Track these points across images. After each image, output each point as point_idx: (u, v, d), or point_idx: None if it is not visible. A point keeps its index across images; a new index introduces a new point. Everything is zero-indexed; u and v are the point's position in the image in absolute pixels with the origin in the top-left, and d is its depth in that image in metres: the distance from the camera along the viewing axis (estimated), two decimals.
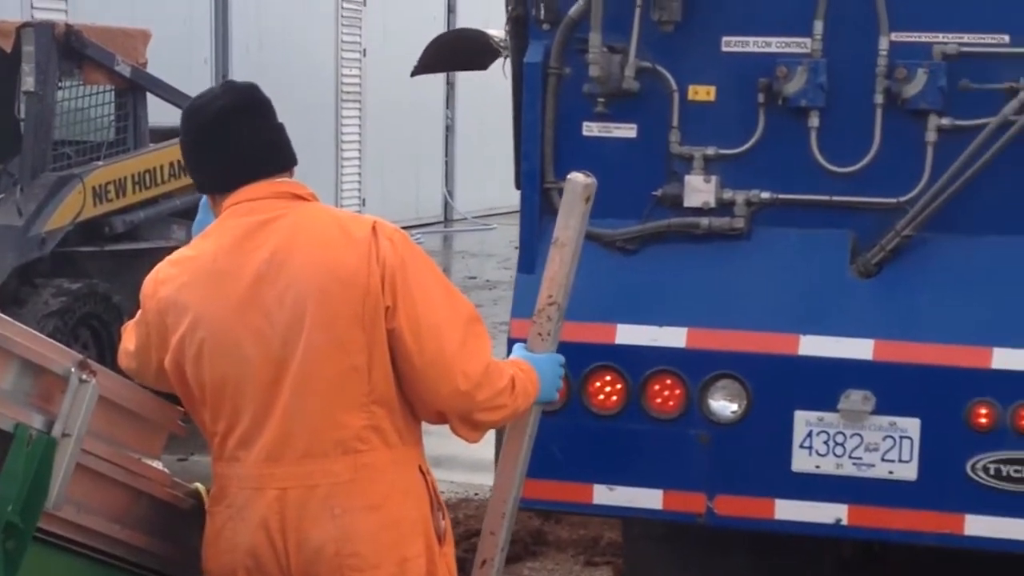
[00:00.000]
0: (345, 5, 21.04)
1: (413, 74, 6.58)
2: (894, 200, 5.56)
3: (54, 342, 3.61)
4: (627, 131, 5.73)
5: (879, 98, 5.53)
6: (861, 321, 5.46)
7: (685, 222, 5.68)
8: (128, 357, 3.85)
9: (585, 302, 5.56)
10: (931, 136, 5.52)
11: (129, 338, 3.84)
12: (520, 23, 5.77)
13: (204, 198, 3.90)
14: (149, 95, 10.53)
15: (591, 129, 5.75)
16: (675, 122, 5.69)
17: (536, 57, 5.70)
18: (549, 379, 3.95)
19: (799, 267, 5.60)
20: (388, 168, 22.05)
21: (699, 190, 5.65)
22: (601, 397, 5.60)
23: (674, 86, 5.67)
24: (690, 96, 5.67)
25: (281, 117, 3.77)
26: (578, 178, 3.97)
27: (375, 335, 3.57)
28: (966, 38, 5.47)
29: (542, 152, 5.74)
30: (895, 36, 5.50)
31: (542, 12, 5.68)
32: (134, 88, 10.37)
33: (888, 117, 5.54)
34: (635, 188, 5.71)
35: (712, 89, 5.66)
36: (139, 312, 3.78)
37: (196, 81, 15.71)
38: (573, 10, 5.67)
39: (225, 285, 3.60)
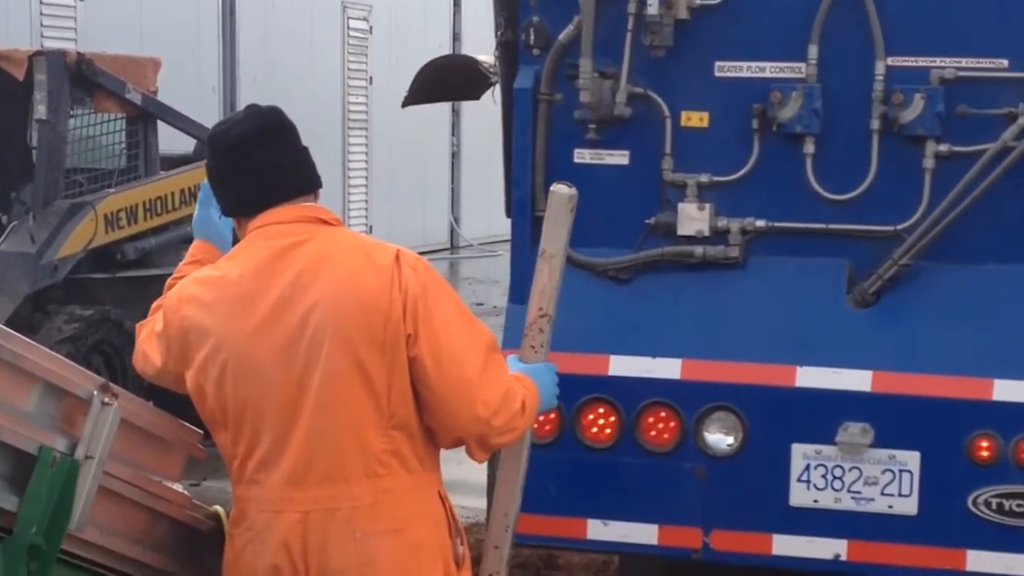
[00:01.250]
0: (351, 34, 20.93)
1: (404, 105, 6.44)
2: (891, 228, 5.41)
3: (76, 366, 3.65)
4: (619, 158, 5.58)
5: (875, 124, 5.38)
6: (859, 352, 5.30)
7: (679, 251, 5.53)
8: (145, 362, 3.87)
9: (577, 333, 5.41)
10: (929, 163, 5.37)
11: (149, 345, 3.84)
12: (510, 48, 5.63)
13: (202, 190, 3.97)
14: (160, 123, 10.46)
15: (583, 156, 5.60)
16: (668, 149, 5.53)
17: (526, 83, 5.56)
18: (548, 389, 3.94)
19: (795, 297, 5.44)
20: (394, 195, 21.92)
21: (693, 218, 5.50)
22: (594, 430, 5.43)
23: (666, 112, 5.53)
24: (683, 122, 5.52)
25: None
26: (562, 189, 3.94)
27: (396, 361, 3.58)
28: (964, 63, 5.33)
29: (533, 180, 5.58)
30: (891, 60, 5.36)
31: (532, 37, 5.54)
32: (145, 116, 10.28)
33: (885, 143, 5.39)
34: (627, 216, 5.57)
35: (705, 115, 5.52)
36: (161, 323, 3.79)
37: (204, 109, 15.72)
38: (563, 35, 5.52)
39: (249, 308, 3.62)
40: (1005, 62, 5.29)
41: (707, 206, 5.49)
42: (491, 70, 6.01)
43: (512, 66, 5.61)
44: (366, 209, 21.41)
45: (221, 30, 18.27)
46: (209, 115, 15.46)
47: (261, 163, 3.68)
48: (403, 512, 3.66)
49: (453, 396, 3.61)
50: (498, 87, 5.82)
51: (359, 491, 3.61)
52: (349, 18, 20.89)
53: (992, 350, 5.21)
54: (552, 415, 5.36)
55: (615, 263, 5.55)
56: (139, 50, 12.84)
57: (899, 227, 5.39)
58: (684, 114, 5.51)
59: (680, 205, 5.51)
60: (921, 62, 5.34)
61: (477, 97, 6.48)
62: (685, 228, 5.50)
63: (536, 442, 5.32)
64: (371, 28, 21.29)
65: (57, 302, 9.52)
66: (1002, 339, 5.23)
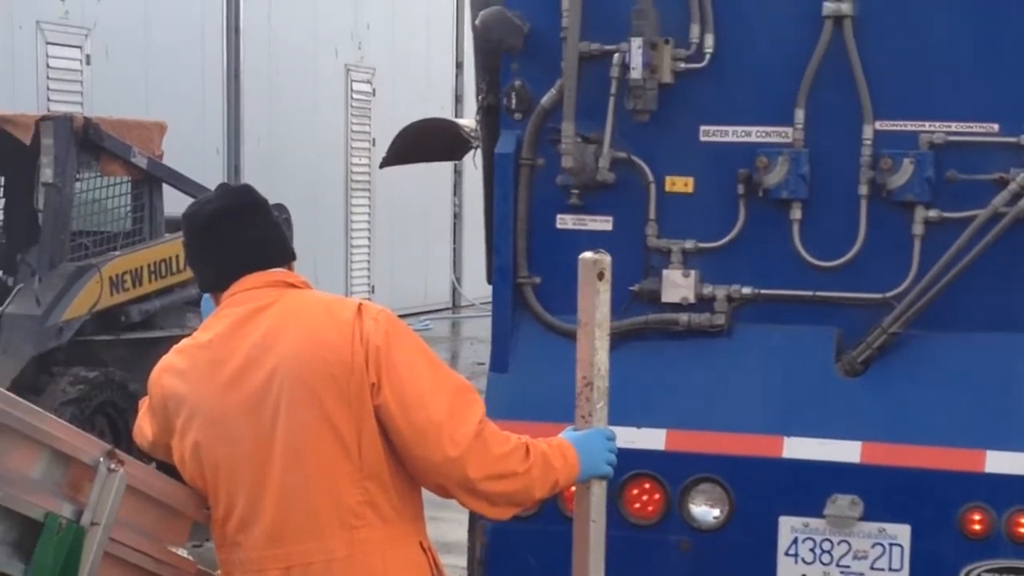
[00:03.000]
0: (355, 96, 20.85)
1: (382, 165, 6.28)
2: (880, 295, 5.21)
3: (83, 432, 3.65)
4: (602, 224, 5.39)
5: (864, 189, 5.20)
6: (848, 422, 5.10)
7: (663, 318, 5.33)
8: (141, 436, 3.95)
9: (558, 402, 5.18)
10: (918, 229, 5.17)
11: (144, 417, 3.92)
12: (491, 112, 5.46)
13: None
14: (165, 185, 10.60)
15: (565, 222, 5.42)
16: (652, 214, 5.35)
17: (508, 148, 5.38)
18: (595, 453, 3.85)
19: (782, 365, 5.25)
20: (397, 255, 21.78)
21: (678, 285, 5.31)
22: None
23: (651, 177, 5.34)
24: (667, 187, 5.34)
25: (291, 206, 3.89)
26: (587, 256, 3.89)
27: (362, 412, 3.56)
28: (954, 127, 5.14)
29: (514, 246, 5.41)
30: (879, 125, 5.18)
31: (514, 101, 5.37)
32: (150, 179, 10.44)
33: (873, 209, 5.20)
34: (611, 283, 5.32)
35: (690, 180, 5.33)
36: (148, 396, 3.86)
37: (209, 171, 15.72)
38: (545, 99, 5.35)
39: (218, 371, 3.64)
40: (995, 126, 5.11)
41: (692, 273, 5.31)
42: (472, 134, 5.84)
43: (494, 130, 5.45)
44: (368, 269, 21.27)
45: (226, 93, 18.24)
46: (213, 177, 15.63)
47: (232, 239, 3.72)
48: (381, 563, 3.61)
49: (421, 439, 3.55)
50: (480, 151, 5.63)
51: (334, 544, 3.57)
52: (353, 80, 20.81)
53: (984, 421, 5.02)
54: None
55: None
56: (145, 113, 13.03)
57: (888, 294, 5.20)
58: (668, 179, 5.34)
59: (664, 272, 5.33)
60: (910, 126, 5.17)
61: (459, 158, 6.29)
62: (670, 295, 5.31)
63: (520, 515, 5.10)
64: (374, 90, 21.21)
65: (62, 364, 9.56)
66: (994, 409, 5.03)
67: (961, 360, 5.13)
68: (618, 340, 5.26)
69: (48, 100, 14.90)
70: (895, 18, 5.18)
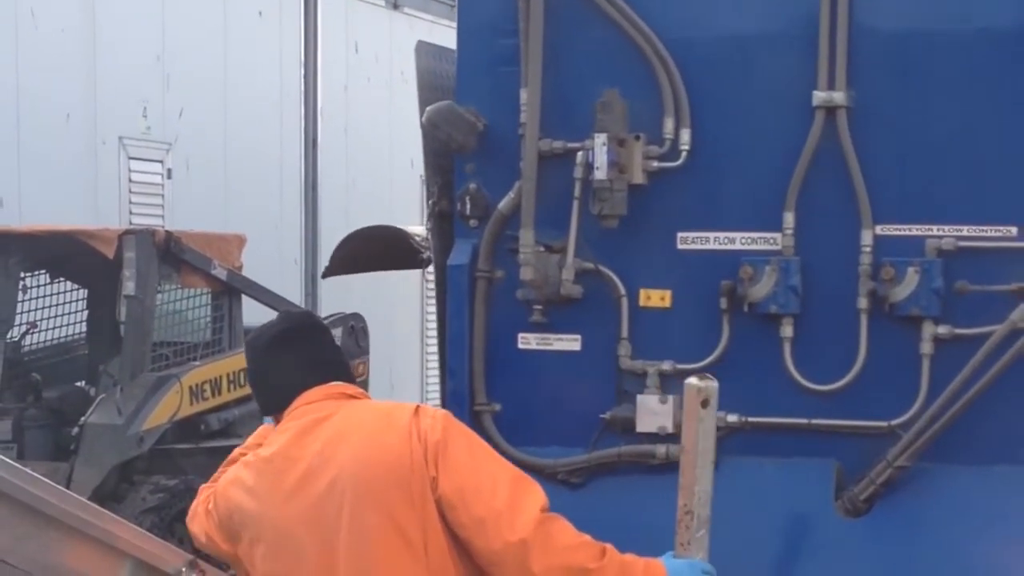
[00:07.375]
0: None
1: (324, 275, 5.70)
2: (885, 424, 4.58)
3: (164, 542, 3.77)
4: (570, 343, 4.81)
5: (863, 302, 4.58)
6: (849, 568, 4.52)
7: (638, 450, 4.71)
8: (195, 525, 3.89)
9: None
10: (926, 347, 4.54)
11: (205, 519, 3.86)
12: (444, 219, 4.90)
13: None
14: (244, 296, 10.76)
15: (527, 341, 4.84)
16: (625, 333, 4.75)
17: (462, 258, 4.81)
18: None
19: (774, 504, 4.67)
20: None
21: (654, 412, 4.69)
22: None
23: (622, 291, 4.75)
24: (642, 302, 4.76)
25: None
26: (691, 381, 3.74)
27: (426, 510, 3.54)
28: (965, 231, 4.53)
29: (471, 368, 4.81)
30: (880, 229, 4.57)
31: (468, 207, 4.79)
32: (230, 290, 10.59)
33: (875, 325, 4.59)
34: (580, 410, 4.79)
35: (667, 294, 4.74)
36: (212, 502, 3.83)
37: (288, 281, 15.55)
38: (503, 204, 4.78)
39: (281, 483, 3.65)
40: (1013, 230, 4.50)
41: (670, 398, 4.68)
42: (423, 243, 5.14)
43: (447, 239, 4.90)
44: None
45: (303, 204, 18.19)
46: (292, 287, 15.68)
47: (293, 360, 3.76)
48: None
49: (481, 529, 3.51)
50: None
51: None
52: None
53: (1003, 564, 4.41)
54: None
55: (566, 464, 4.76)
56: (225, 226, 13.09)
57: (894, 422, 4.56)
58: (643, 292, 4.75)
59: (639, 397, 4.71)
60: (915, 230, 4.56)
61: (415, 267, 5.59)
62: (645, 424, 4.69)
63: None
64: None
65: (142, 472, 9.74)
66: (1015, 551, 4.41)
67: (978, 497, 4.53)
68: (588, 475, 4.79)
69: (130, 214, 15.20)
70: (896, 108, 4.57)
